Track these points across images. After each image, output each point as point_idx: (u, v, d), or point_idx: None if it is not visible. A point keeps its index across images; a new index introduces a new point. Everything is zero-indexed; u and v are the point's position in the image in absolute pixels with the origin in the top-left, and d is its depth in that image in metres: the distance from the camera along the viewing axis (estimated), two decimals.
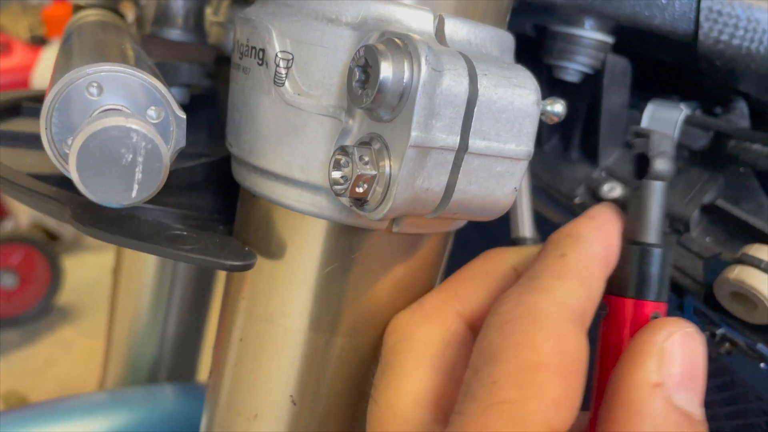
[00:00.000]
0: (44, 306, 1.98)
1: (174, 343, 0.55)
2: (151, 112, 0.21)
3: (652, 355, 0.19)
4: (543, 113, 0.22)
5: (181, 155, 0.33)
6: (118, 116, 0.17)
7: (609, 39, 0.36)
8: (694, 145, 0.37)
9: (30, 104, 0.42)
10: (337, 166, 0.20)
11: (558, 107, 0.22)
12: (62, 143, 0.21)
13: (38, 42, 2.58)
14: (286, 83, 0.21)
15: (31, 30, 2.68)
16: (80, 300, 2.07)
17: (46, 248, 1.99)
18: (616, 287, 0.22)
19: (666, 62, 0.38)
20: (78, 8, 0.46)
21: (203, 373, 0.59)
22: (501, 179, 0.21)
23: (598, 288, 0.21)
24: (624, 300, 0.22)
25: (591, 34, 0.37)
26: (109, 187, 0.18)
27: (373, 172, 0.19)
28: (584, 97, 0.39)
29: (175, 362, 0.55)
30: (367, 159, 0.19)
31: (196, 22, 0.34)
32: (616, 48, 0.37)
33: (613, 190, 0.38)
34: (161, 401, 0.49)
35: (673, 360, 0.19)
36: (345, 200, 0.20)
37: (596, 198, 0.38)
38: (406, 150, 0.18)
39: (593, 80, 0.38)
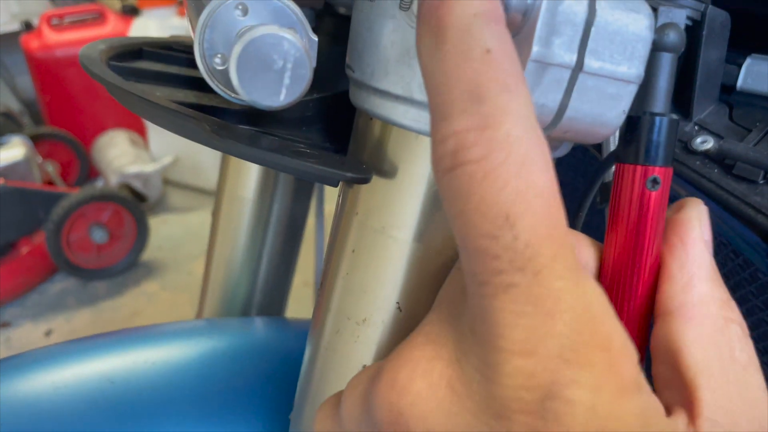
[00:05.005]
0: (131, 261, 2.11)
1: (265, 281, 0.58)
2: None
3: (698, 220, 0.23)
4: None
5: None
6: (272, 26, 0.20)
7: None
8: None
9: (150, 48, 0.46)
10: None
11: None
12: (212, 58, 0.23)
13: (130, 12, 2.70)
14: (412, 6, 0.23)
15: (123, 0, 2.81)
16: (163, 257, 2.19)
17: (134, 206, 2.10)
18: (626, 156, 0.24)
19: (766, 18, 0.38)
20: None
21: (290, 311, 0.63)
22: (611, 101, 0.22)
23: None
24: (632, 167, 0.23)
25: None
26: (262, 89, 0.20)
27: None
28: None
29: (266, 300, 0.59)
30: None
31: None
32: (716, 1, 0.37)
33: (706, 142, 0.38)
34: (252, 331, 0.52)
35: (707, 226, 0.24)
36: None
37: (688, 150, 0.38)
38: (526, 64, 0.20)
39: (691, 33, 0.38)
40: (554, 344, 0.17)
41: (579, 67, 0.21)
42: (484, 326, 0.18)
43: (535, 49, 0.20)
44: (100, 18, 2.68)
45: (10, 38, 2.81)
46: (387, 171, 0.26)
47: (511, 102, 0.17)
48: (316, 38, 0.24)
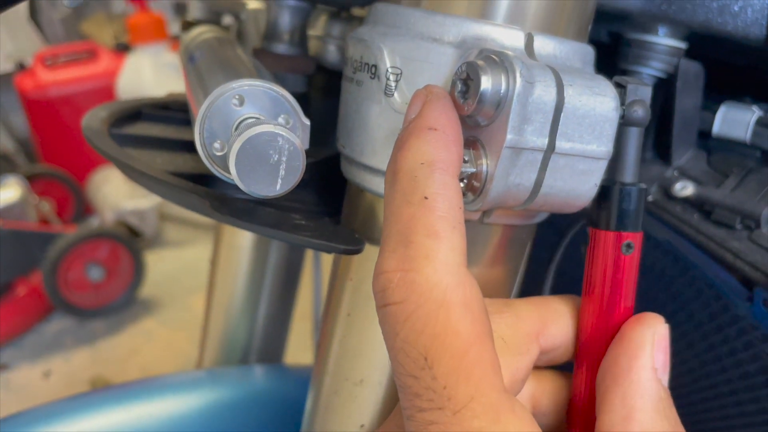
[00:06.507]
0: (128, 298, 2.11)
1: (264, 328, 0.60)
2: (281, 119, 0.25)
3: (649, 344, 0.23)
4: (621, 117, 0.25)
5: None
6: (267, 124, 0.21)
7: (682, 45, 0.38)
8: (766, 145, 0.38)
9: (148, 110, 0.47)
10: None
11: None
12: (211, 146, 0.25)
13: (122, 49, 2.72)
14: (395, 94, 0.25)
15: (116, 38, 2.84)
16: (161, 293, 2.18)
17: (130, 243, 2.10)
18: (599, 222, 0.25)
19: (738, 65, 0.39)
20: (188, 24, 0.52)
21: (289, 356, 0.64)
22: (583, 176, 0.24)
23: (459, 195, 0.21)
24: (607, 233, 0.25)
25: (665, 40, 0.39)
26: (259, 181, 0.22)
27: (473, 170, 0.22)
28: (657, 100, 0.41)
29: (265, 346, 0.60)
30: (467, 158, 0.22)
31: (300, 37, 0.38)
32: (689, 52, 0.38)
33: (686, 188, 0.40)
34: (253, 380, 0.53)
35: (661, 349, 0.24)
36: None
37: (668, 196, 0.40)
38: (502, 150, 0.22)
39: (667, 84, 0.39)
40: None
41: (551, 149, 0.23)
42: None
43: (509, 137, 0.21)
44: (91, 55, 2.70)
45: (4, 78, 2.84)
46: (377, 239, 0.28)
47: (436, 247, 0.19)
48: (308, 122, 0.25)
